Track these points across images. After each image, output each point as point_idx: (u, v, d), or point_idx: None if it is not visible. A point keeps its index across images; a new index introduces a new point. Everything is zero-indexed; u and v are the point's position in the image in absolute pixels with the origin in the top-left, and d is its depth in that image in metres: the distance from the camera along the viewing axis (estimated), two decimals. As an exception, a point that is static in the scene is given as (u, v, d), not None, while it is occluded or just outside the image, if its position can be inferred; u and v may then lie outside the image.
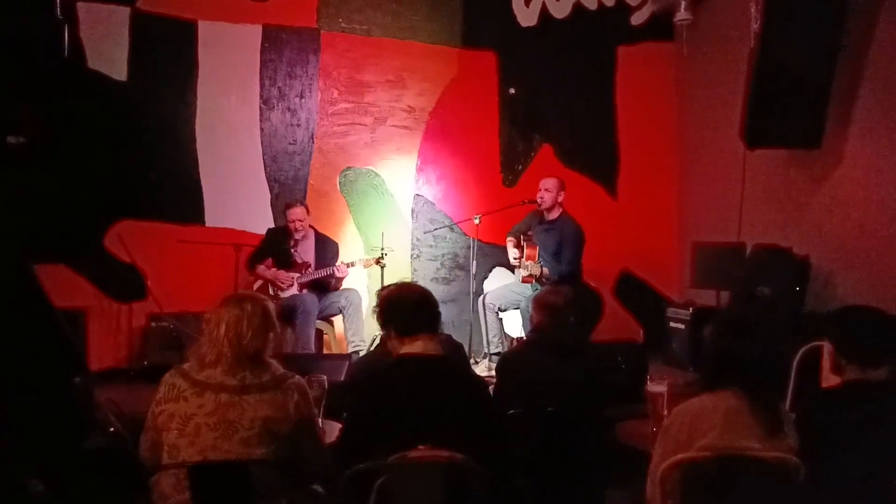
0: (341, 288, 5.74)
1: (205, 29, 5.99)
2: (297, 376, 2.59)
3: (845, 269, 5.23)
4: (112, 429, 3.25)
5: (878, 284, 4.95)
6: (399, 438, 2.34)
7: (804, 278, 5.08)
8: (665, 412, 2.91)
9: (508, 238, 5.94)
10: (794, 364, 3.97)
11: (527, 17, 6.79)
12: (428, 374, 2.57)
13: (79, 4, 5.54)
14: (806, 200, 5.60)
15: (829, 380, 2.69)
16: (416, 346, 2.62)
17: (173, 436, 2.40)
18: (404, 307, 2.67)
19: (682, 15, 6.58)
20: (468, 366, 3.66)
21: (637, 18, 7.02)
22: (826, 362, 2.69)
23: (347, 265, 5.63)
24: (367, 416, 2.54)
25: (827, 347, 2.65)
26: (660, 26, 6.98)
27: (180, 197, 5.93)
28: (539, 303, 3.36)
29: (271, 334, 2.56)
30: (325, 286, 5.67)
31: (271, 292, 5.56)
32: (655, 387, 3.01)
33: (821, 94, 5.05)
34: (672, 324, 6.10)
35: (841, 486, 2.33)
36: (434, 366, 2.61)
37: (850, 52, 5.07)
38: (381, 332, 2.96)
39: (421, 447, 2.32)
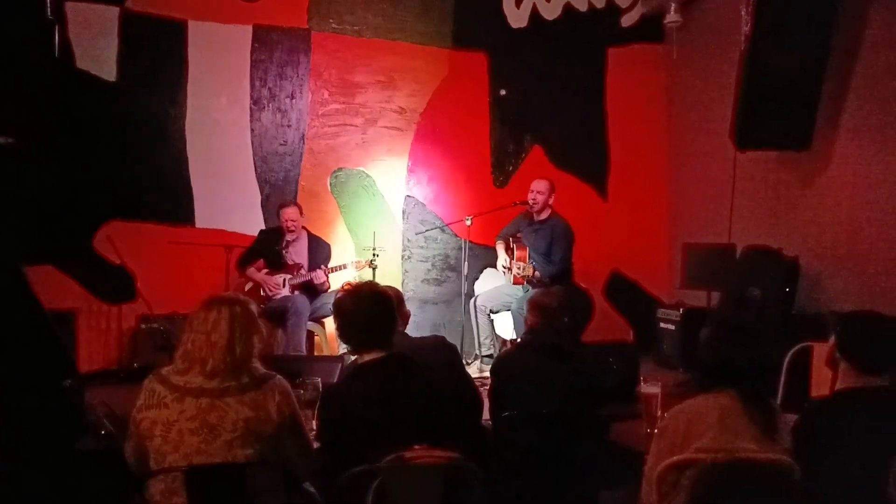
0: (331, 289, 5.73)
1: (195, 29, 5.96)
2: (277, 376, 2.56)
3: (834, 270, 5.27)
4: (104, 431, 3.22)
5: (866, 285, 5.00)
6: (376, 442, 2.32)
7: (794, 279, 5.13)
8: (659, 413, 2.92)
9: (498, 241, 5.95)
10: (785, 364, 4.00)
11: (517, 18, 6.81)
12: (391, 374, 2.57)
13: (68, 4, 5.49)
14: (795, 202, 5.65)
15: (822, 374, 2.70)
16: (371, 354, 2.62)
17: (157, 442, 2.38)
18: (357, 323, 2.64)
19: (672, 17, 6.63)
20: (462, 367, 3.64)
21: (627, 20, 7.05)
22: (825, 354, 2.72)
23: (329, 270, 5.62)
24: (336, 428, 2.52)
25: (830, 342, 2.67)
26: (650, 28, 7.03)
27: (170, 198, 5.90)
28: (533, 305, 3.36)
29: (257, 337, 2.53)
30: (316, 288, 5.65)
31: (262, 294, 5.55)
32: (649, 388, 3.02)
33: (810, 97, 5.10)
34: (662, 324, 6.14)
35: (834, 491, 2.34)
36: (393, 365, 2.60)
37: (840, 54, 5.11)
38: None
39: (416, 447, 2.31)
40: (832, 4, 4.98)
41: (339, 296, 2.84)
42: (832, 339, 2.66)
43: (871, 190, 5.05)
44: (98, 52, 5.67)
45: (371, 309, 2.65)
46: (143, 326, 5.54)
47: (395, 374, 2.57)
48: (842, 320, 2.71)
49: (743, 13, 5.12)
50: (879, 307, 2.94)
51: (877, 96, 5.01)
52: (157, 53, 5.86)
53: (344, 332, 2.71)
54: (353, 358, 2.82)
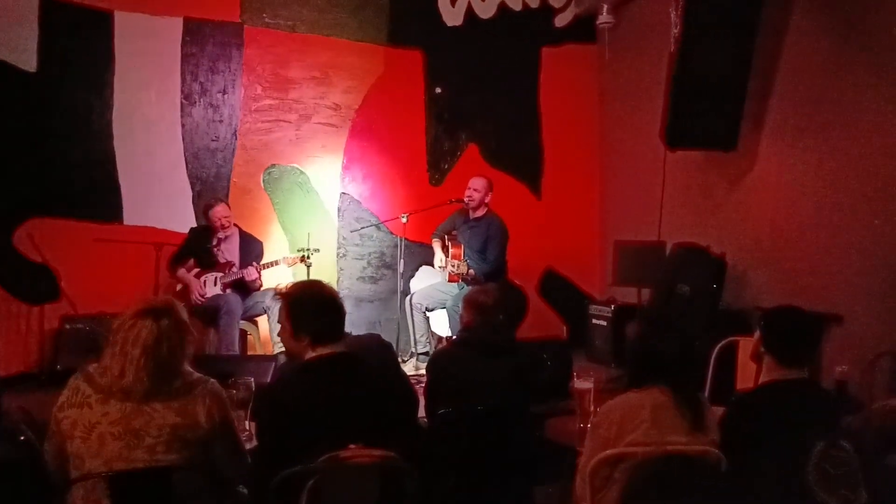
0: (264, 287, 5.63)
1: (122, 20, 5.77)
2: (210, 381, 2.48)
3: (758, 267, 5.45)
4: (22, 437, 3.09)
5: (788, 281, 5.17)
6: (322, 440, 2.29)
7: (721, 276, 5.26)
8: (592, 408, 2.96)
9: (434, 238, 5.95)
10: (712, 359, 4.11)
11: (452, 16, 6.82)
12: (343, 372, 2.53)
13: (-17, -10, 5.27)
14: (722, 200, 5.81)
15: (747, 368, 2.78)
16: (327, 349, 2.55)
17: (77, 444, 2.30)
18: (320, 314, 2.58)
19: (604, 18, 6.75)
20: (398, 365, 3.63)
21: (561, 20, 7.14)
22: (750, 347, 2.83)
23: (261, 266, 5.52)
24: (285, 423, 2.44)
25: (755, 337, 2.77)
26: (583, 28, 7.13)
27: (97, 194, 5.70)
28: (469, 302, 3.36)
29: (186, 346, 2.44)
30: (248, 286, 5.55)
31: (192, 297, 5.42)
32: (582, 383, 3.06)
33: (736, 98, 5.26)
34: (594, 321, 6.25)
35: (759, 480, 2.42)
36: (346, 363, 2.56)
37: (764, 58, 5.28)
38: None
39: (352, 446, 2.29)
40: (756, 8, 5.14)
41: (287, 291, 2.77)
42: (757, 334, 2.75)
43: (792, 189, 5.23)
44: (16, 40, 5.42)
45: (331, 296, 2.62)
46: (68, 327, 5.32)
47: (348, 371, 2.53)
48: (765, 316, 2.80)
49: (672, 15, 5.23)
50: (800, 302, 3.03)
51: (797, 99, 5.19)
52: (81, 43, 5.64)
53: (304, 322, 2.57)
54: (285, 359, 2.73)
